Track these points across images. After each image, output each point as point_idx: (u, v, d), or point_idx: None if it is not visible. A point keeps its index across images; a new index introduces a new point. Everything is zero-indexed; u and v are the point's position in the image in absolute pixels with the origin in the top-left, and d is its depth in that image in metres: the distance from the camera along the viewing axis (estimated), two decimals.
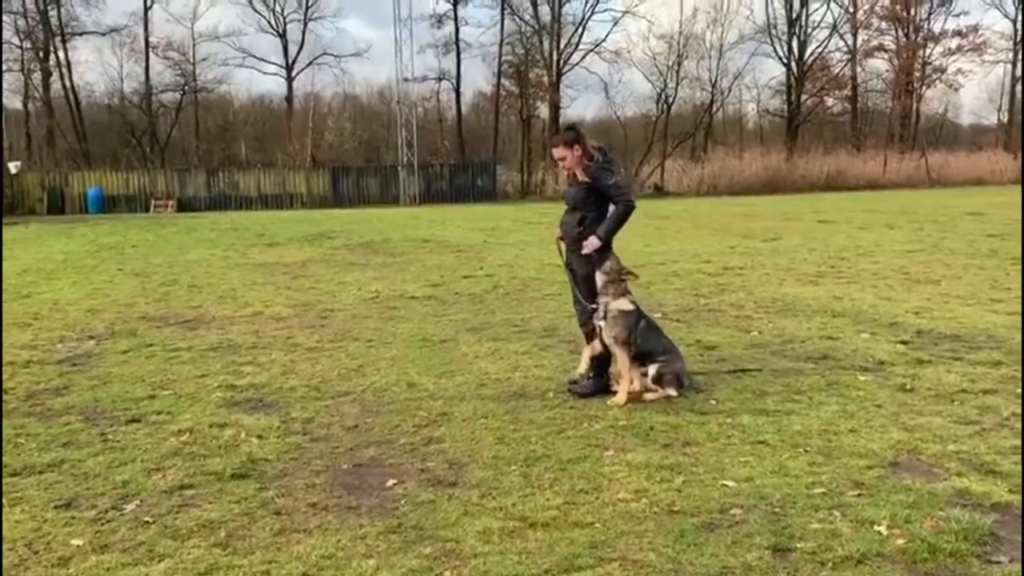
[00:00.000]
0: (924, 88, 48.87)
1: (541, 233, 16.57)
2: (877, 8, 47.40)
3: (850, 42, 47.59)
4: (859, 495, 3.64)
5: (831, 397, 5.14)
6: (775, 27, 46.49)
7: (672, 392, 5.20)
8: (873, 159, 41.50)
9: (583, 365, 5.41)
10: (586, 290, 5.42)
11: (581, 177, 5.30)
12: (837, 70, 48.30)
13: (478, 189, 37.65)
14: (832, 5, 48.12)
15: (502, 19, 44.71)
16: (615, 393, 5.24)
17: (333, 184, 36.72)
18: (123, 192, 34.78)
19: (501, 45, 44.66)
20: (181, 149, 45.92)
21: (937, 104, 51.37)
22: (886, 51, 48.54)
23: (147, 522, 3.55)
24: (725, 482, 3.82)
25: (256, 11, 46.38)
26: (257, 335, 7.60)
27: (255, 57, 47.30)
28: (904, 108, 47.71)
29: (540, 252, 13.47)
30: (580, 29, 45.03)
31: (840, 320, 7.58)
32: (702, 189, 38.50)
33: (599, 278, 5.33)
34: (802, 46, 46.69)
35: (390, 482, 3.96)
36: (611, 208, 5.31)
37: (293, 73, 47.18)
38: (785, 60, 46.78)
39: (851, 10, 46.89)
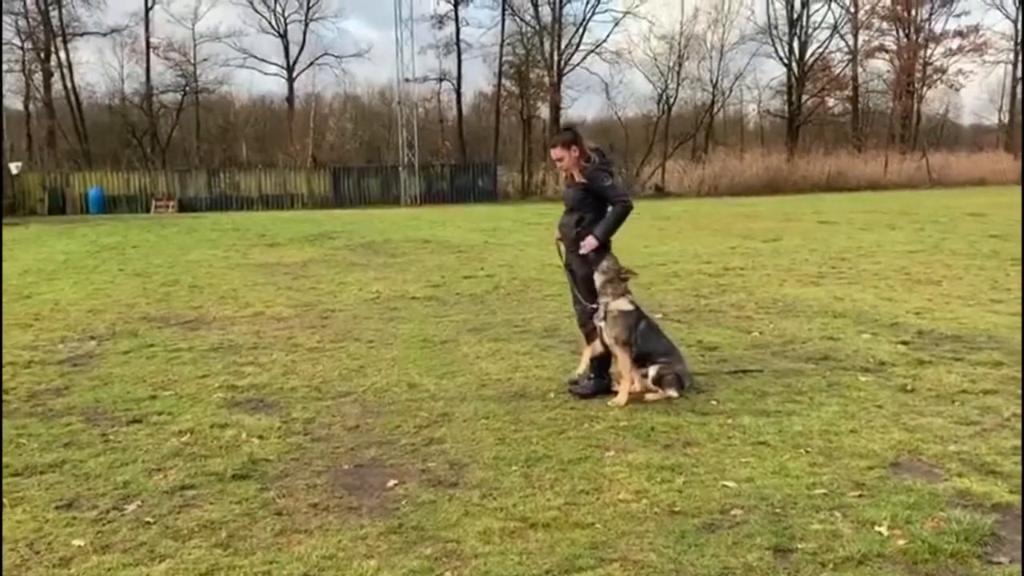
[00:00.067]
0: (925, 88, 48.88)
1: (541, 234, 16.55)
2: (878, 8, 47.48)
3: (851, 42, 47.64)
4: (860, 496, 3.64)
5: (832, 398, 5.14)
6: (776, 27, 46.59)
7: (673, 393, 5.19)
8: (874, 160, 41.48)
9: (583, 366, 5.42)
10: (586, 290, 5.43)
11: (578, 178, 5.32)
12: (838, 70, 48.35)
13: (479, 190, 37.66)
14: (833, 6, 48.19)
15: (503, 20, 44.82)
16: (616, 394, 5.24)
17: (334, 184, 36.76)
18: (124, 193, 34.82)
19: (502, 46, 44.75)
20: (182, 150, 45.94)
21: (938, 104, 51.44)
22: (887, 51, 48.60)
23: (148, 522, 3.56)
24: (726, 483, 3.82)
25: (257, 12, 46.55)
26: (258, 335, 7.61)
27: (256, 58, 47.43)
28: (905, 108, 47.69)
29: (540, 253, 13.46)
30: (581, 30, 45.14)
31: (841, 321, 7.58)
32: (703, 190, 38.45)
33: (597, 278, 5.34)
34: (803, 46, 46.72)
35: (391, 482, 3.97)
36: (609, 209, 5.32)
37: (294, 74, 47.28)
38: (786, 60, 46.83)
39: (852, 10, 46.92)
